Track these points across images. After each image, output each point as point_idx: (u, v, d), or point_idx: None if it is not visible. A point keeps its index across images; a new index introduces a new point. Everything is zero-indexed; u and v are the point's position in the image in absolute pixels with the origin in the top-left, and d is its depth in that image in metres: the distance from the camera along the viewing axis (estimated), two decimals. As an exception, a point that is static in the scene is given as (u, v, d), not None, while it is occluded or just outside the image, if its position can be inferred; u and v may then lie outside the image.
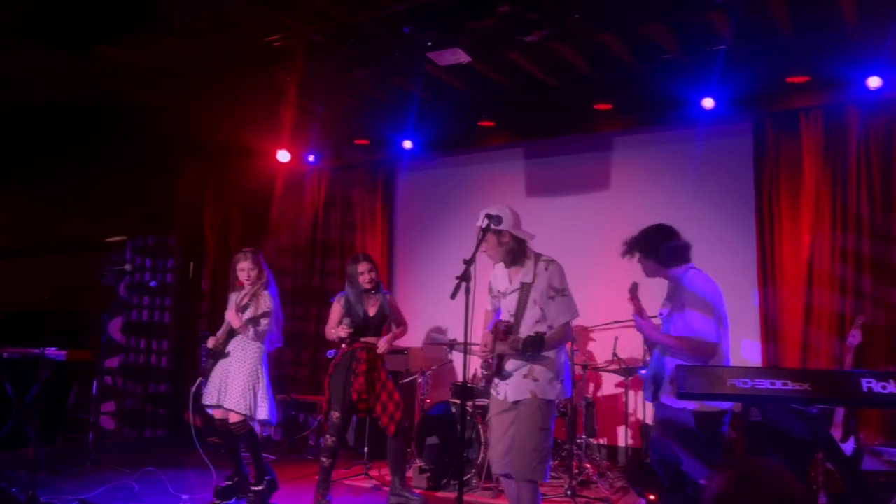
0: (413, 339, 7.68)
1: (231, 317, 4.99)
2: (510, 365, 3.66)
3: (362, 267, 5.11)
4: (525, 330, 3.61)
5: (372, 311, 5.12)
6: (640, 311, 3.77)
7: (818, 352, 5.70)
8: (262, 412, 4.94)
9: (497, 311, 3.91)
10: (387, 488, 5.58)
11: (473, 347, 3.93)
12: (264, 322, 4.99)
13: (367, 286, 5.09)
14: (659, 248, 3.76)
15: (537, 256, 3.71)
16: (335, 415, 4.99)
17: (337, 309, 5.15)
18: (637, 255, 3.84)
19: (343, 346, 5.10)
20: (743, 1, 5.03)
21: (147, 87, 6.77)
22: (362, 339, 5.09)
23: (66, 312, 6.46)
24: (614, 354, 6.07)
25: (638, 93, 6.38)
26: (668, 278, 3.83)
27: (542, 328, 3.61)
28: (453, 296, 3.36)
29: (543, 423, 3.55)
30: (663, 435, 3.69)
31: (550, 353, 3.64)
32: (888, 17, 5.12)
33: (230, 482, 5.03)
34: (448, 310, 7.50)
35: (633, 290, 3.83)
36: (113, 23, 5.70)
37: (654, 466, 4.08)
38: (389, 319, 5.26)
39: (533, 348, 3.52)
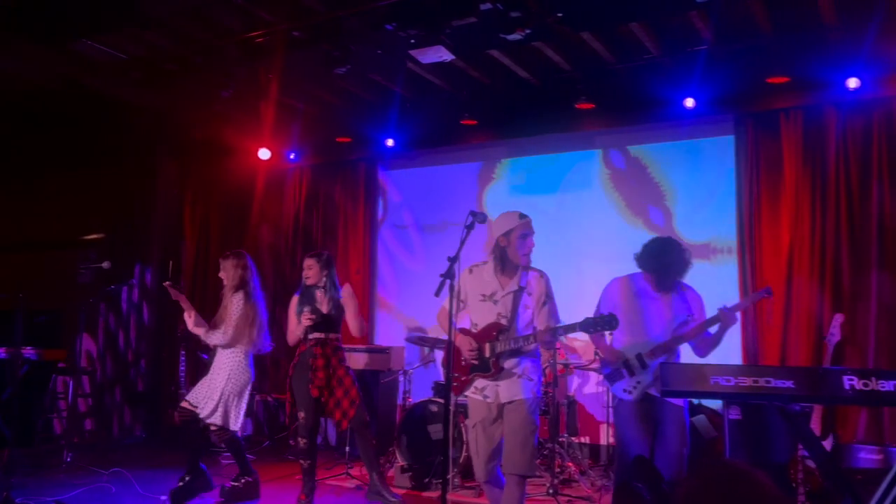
0: (394, 337, 7.66)
1: (188, 323, 5.06)
2: (508, 364, 3.69)
3: (304, 263, 5.10)
4: (520, 330, 3.72)
5: (325, 309, 4.98)
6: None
7: (797, 350, 5.76)
8: (235, 422, 4.94)
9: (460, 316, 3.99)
10: (368, 488, 5.56)
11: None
12: (225, 329, 4.95)
13: (308, 282, 5.02)
14: (685, 267, 3.98)
15: (527, 266, 3.81)
16: (301, 415, 4.92)
17: (294, 301, 5.09)
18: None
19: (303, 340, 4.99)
20: (723, 1, 5.06)
21: (123, 82, 6.68)
22: (315, 335, 4.96)
23: (42, 311, 6.36)
24: (596, 353, 6.07)
25: (620, 92, 6.39)
26: (673, 291, 3.99)
27: (530, 330, 3.74)
28: (437, 293, 3.41)
29: (535, 421, 3.68)
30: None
31: (536, 354, 3.80)
32: (866, 18, 5.18)
33: (182, 483, 4.97)
34: (430, 308, 7.50)
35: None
36: (88, 17, 5.62)
37: (637, 486, 4.11)
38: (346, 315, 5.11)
39: (605, 327, 3.54)
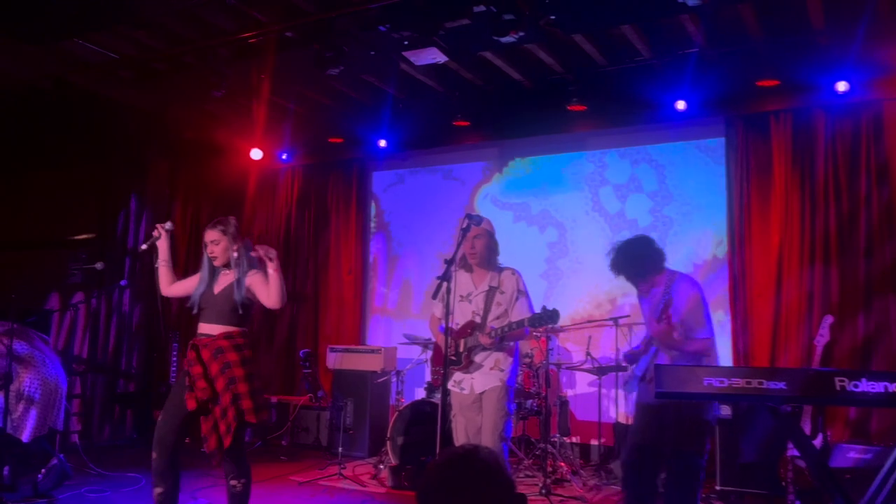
0: (387, 338, 7.68)
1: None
2: (479, 357, 3.99)
3: (208, 236, 3.87)
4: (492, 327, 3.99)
5: (217, 288, 3.82)
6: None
7: (787, 351, 5.81)
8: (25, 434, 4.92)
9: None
10: (362, 488, 5.56)
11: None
12: None
13: (216, 263, 3.85)
14: (644, 263, 3.90)
15: (500, 266, 4.10)
16: (153, 455, 3.70)
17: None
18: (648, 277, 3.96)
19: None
20: (713, 5, 5.10)
21: (114, 81, 6.66)
22: (201, 328, 3.81)
23: (32, 311, 6.33)
24: (588, 353, 6.12)
25: (612, 94, 6.42)
26: (656, 285, 3.98)
27: (503, 323, 3.98)
28: (435, 295, 3.51)
29: (507, 407, 3.97)
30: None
31: (510, 346, 4.04)
32: (854, 23, 5.24)
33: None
34: (423, 308, 7.54)
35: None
36: (79, 16, 5.60)
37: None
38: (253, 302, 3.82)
39: (549, 321, 3.75)
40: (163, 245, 3.98)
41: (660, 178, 6.72)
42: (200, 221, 8.67)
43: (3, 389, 4.81)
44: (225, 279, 3.84)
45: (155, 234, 3.99)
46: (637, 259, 3.88)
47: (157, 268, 4.02)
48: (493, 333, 3.85)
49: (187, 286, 3.97)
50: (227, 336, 3.73)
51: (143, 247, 4.04)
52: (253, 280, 3.77)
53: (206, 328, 3.79)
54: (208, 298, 3.82)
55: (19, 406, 4.94)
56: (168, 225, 4.01)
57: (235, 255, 3.81)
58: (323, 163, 8.25)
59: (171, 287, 4.02)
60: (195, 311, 3.85)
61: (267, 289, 3.70)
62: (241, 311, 3.76)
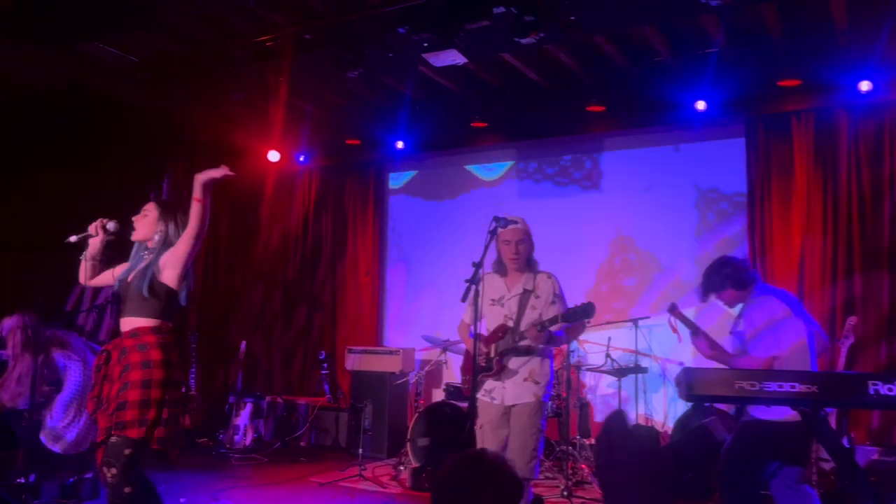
0: (405, 339, 7.68)
1: None
2: (512, 363, 3.76)
3: (145, 207, 3.56)
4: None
5: (132, 275, 3.36)
6: (694, 330, 3.94)
7: (809, 352, 5.76)
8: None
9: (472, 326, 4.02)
10: (382, 489, 5.56)
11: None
12: None
13: (135, 236, 3.49)
14: (733, 279, 3.89)
15: (536, 268, 3.91)
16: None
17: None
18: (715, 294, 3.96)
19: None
20: (734, 4, 5.07)
21: (132, 84, 6.69)
22: (122, 323, 3.33)
23: (55, 312, 6.40)
24: (607, 355, 6.09)
25: (631, 95, 6.40)
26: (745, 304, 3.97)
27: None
28: (464, 298, 3.45)
29: (541, 424, 3.73)
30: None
31: (546, 355, 3.83)
32: (877, 22, 5.19)
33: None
34: (441, 310, 7.54)
35: (674, 309, 4.09)
36: (96, 18, 5.63)
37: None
38: (170, 286, 3.34)
39: (583, 315, 3.61)
40: (95, 244, 3.54)
41: (678, 180, 6.68)
42: (219, 224, 8.69)
43: (33, 400, 4.77)
44: (143, 266, 3.38)
45: (91, 230, 3.53)
46: (707, 277, 3.95)
47: (80, 259, 3.54)
48: (541, 327, 3.62)
49: (112, 275, 3.58)
50: (132, 335, 3.23)
51: (72, 239, 3.54)
52: (167, 252, 3.37)
53: (121, 324, 3.31)
54: (125, 289, 3.34)
55: (52, 421, 4.90)
56: (111, 225, 3.57)
57: (157, 237, 3.41)
58: (340, 164, 8.26)
59: (92, 279, 3.60)
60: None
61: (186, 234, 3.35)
62: (153, 297, 3.26)
